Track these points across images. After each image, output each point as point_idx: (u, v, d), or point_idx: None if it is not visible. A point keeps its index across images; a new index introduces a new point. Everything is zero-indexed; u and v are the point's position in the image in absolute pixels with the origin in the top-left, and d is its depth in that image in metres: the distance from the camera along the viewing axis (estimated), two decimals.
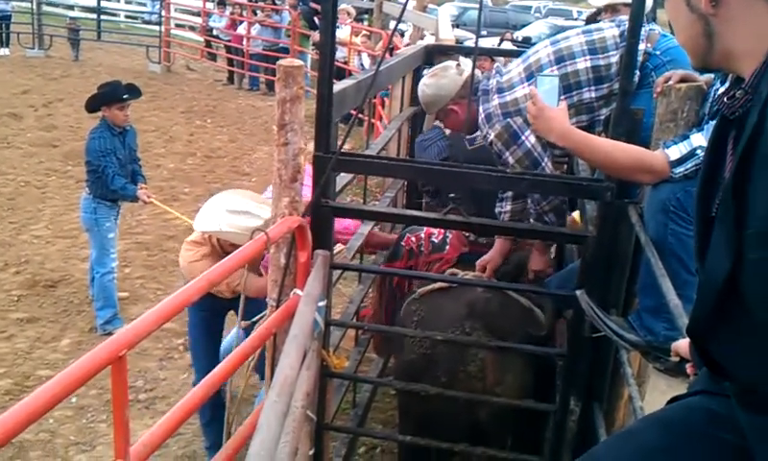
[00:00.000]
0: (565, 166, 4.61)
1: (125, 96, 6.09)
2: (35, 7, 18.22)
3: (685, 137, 2.62)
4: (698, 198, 1.51)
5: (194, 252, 4.32)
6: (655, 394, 2.59)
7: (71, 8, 22.61)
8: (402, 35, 12.61)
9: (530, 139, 3.40)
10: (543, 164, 3.44)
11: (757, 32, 1.30)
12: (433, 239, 4.18)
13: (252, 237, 2.65)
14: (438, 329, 3.38)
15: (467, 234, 4.07)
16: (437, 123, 4.18)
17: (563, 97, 3.41)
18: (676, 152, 2.58)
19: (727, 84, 1.47)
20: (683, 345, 1.82)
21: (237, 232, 3.84)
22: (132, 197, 6.12)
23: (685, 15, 1.41)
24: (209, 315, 4.43)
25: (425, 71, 5.36)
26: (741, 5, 1.31)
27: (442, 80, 3.72)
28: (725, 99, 1.38)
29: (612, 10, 4.22)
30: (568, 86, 3.43)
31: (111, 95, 6.09)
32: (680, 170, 2.55)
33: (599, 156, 2.72)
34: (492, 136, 3.47)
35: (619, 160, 2.66)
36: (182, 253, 4.44)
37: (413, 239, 4.23)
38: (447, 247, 4.11)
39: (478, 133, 3.60)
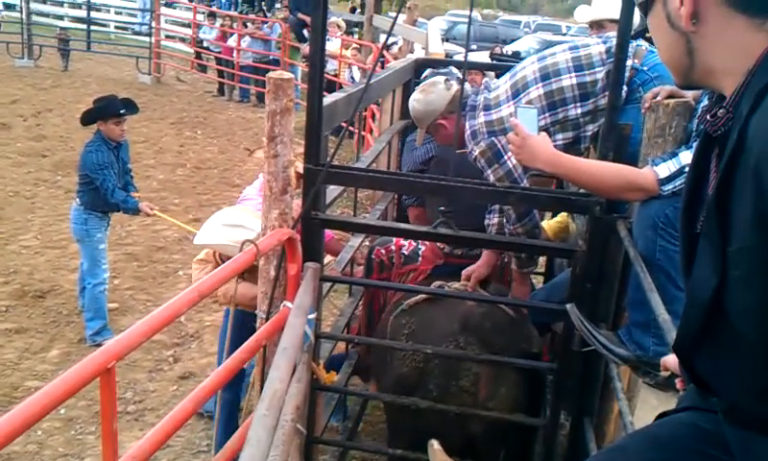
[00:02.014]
0: (555, 181, 4.63)
1: (121, 111, 6.08)
2: (24, 16, 18.15)
3: (674, 155, 2.64)
4: (683, 214, 1.51)
5: (200, 269, 4.31)
6: (645, 409, 2.60)
7: (61, 18, 22.57)
8: (389, 48, 12.58)
9: (512, 160, 3.43)
10: (522, 185, 3.48)
11: (738, 50, 1.30)
12: (403, 251, 4.18)
13: (241, 249, 2.65)
14: (431, 343, 3.36)
15: (441, 246, 4.07)
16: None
17: (548, 113, 3.45)
18: (665, 169, 2.60)
19: (706, 102, 1.47)
20: (672, 360, 1.82)
21: (230, 245, 3.84)
22: (135, 210, 6.11)
23: (667, 33, 1.42)
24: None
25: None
26: (721, 22, 1.31)
27: (430, 95, 3.76)
28: (707, 117, 1.38)
29: (597, 26, 4.25)
30: (553, 104, 3.45)
31: (107, 109, 6.07)
32: (669, 188, 2.57)
33: (587, 178, 2.73)
34: (476, 153, 3.52)
35: (608, 182, 2.68)
36: (192, 272, 4.47)
37: (383, 252, 4.22)
38: (420, 259, 4.11)
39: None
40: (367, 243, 4.99)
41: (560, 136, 3.48)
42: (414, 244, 4.18)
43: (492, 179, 3.47)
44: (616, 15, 3.81)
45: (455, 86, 3.78)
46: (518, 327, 3.53)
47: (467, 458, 3.31)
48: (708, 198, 1.35)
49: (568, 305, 2.90)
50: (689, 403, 1.66)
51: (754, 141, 1.19)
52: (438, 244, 4.06)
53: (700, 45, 1.36)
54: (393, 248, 4.20)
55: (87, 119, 6.16)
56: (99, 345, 5.30)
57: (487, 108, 3.54)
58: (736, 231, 1.24)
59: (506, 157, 3.43)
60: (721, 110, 1.34)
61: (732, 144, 1.25)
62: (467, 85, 3.61)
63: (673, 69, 1.46)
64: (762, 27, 1.27)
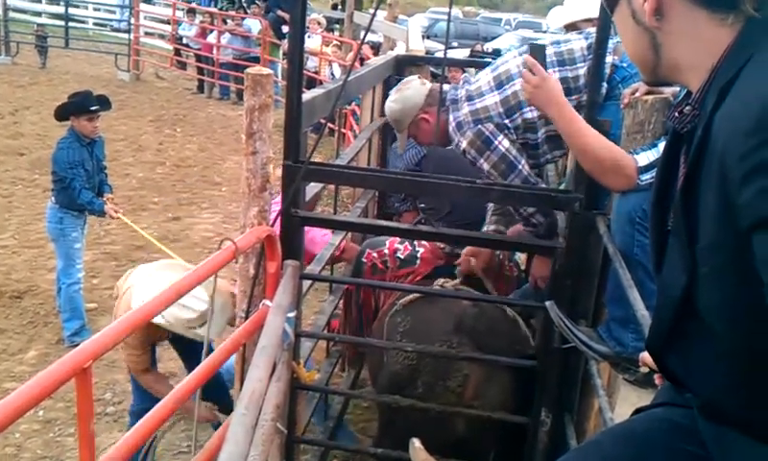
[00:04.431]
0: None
1: (94, 108, 6.03)
2: (1, 13, 17.99)
3: (654, 145, 2.64)
4: (653, 211, 1.52)
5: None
6: (625, 405, 2.60)
7: (38, 14, 22.41)
8: (377, 50, 12.53)
9: (503, 144, 3.41)
10: (520, 167, 3.44)
11: (701, 45, 1.29)
12: (398, 255, 4.11)
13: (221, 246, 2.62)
14: (425, 342, 3.34)
15: (442, 246, 4.04)
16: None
17: (534, 106, 3.45)
18: (644, 159, 2.60)
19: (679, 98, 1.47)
20: (650, 355, 1.83)
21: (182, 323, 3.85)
22: (100, 212, 6.06)
23: (632, 29, 1.41)
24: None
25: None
26: (684, 18, 1.31)
27: (407, 91, 3.73)
28: (675, 113, 1.38)
29: (572, 28, 4.26)
30: None
31: (80, 105, 6.02)
32: (646, 177, 2.57)
33: (583, 140, 2.68)
34: (464, 144, 3.47)
35: (598, 153, 2.65)
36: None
37: (374, 255, 4.14)
38: (418, 261, 4.07)
39: (452, 146, 3.61)
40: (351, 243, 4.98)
41: (542, 130, 3.48)
42: (410, 248, 4.12)
43: (486, 167, 3.43)
44: (589, 15, 3.82)
45: (429, 83, 3.78)
46: (514, 329, 3.51)
47: (457, 458, 3.30)
48: (676, 195, 1.35)
49: (548, 303, 2.90)
50: (665, 399, 1.67)
51: (717, 138, 1.18)
52: (438, 244, 4.03)
53: (665, 41, 1.36)
54: (386, 251, 4.13)
55: (60, 114, 6.12)
56: (77, 345, 5.25)
57: (470, 98, 3.52)
58: (703, 228, 1.24)
59: (496, 143, 3.41)
60: (687, 107, 1.34)
61: (698, 141, 1.25)
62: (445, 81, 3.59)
63: (640, 65, 1.46)
64: (725, 22, 1.26)
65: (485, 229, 3.85)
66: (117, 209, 6.20)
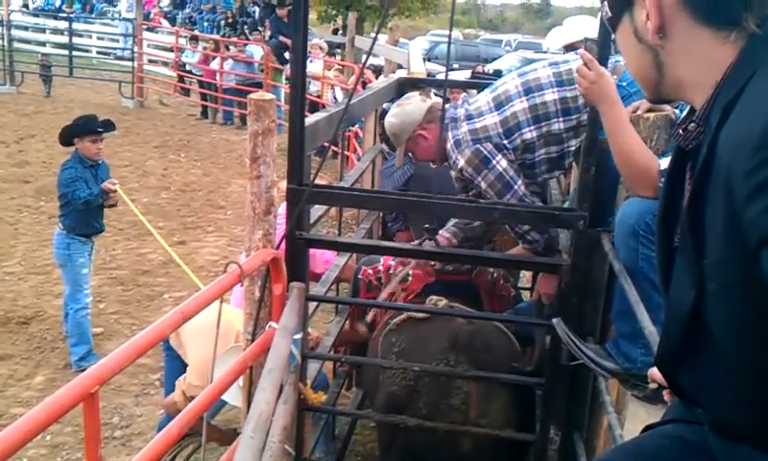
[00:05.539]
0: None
1: (99, 129, 6.07)
2: (6, 43, 18.11)
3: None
4: (659, 228, 1.51)
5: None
6: (635, 421, 2.59)
7: (43, 44, 22.57)
8: (379, 74, 12.59)
9: (501, 163, 3.42)
10: (516, 187, 3.45)
11: (705, 63, 1.29)
12: (392, 272, 4.14)
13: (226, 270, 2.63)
14: (421, 361, 3.33)
15: (433, 264, 4.05)
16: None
17: (533, 126, 3.46)
18: (665, 163, 2.59)
19: (682, 115, 1.47)
20: (659, 372, 1.82)
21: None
22: (101, 195, 6.02)
23: (635, 47, 1.41)
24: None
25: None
26: (687, 36, 1.31)
27: (407, 107, 3.76)
28: (680, 131, 1.38)
29: (571, 48, 4.29)
30: (537, 117, 3.47)
31: (84, 127, 6.09)
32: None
33: (625, 141, 2.66)
34: (461, 162, 3.49)
35: (638, 158, 2.63)
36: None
37: (370, 272, 4.18)
38: (410, 278, 4.09)
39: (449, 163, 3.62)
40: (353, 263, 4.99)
41: (542, 151, 3.50)
42: (402, 264, 4.15)
43: (483, 186, 3.45)
44: (587, 35, 3.85)
45: (429, 99, 3.80)
46: (509, 344, 3.51)
47: None
48: (682, 212, 1.35)
49: (554, 320, 2.89)
50: (675, 415, 1.66)
51: (723, 155, 1.18)
52: (429, 262, 4.04)
53: (668, 59, 1.36)
54: (380, 268, 4.17)
55: (66, 134, 6.17)
56: (84, 370, 5.25)
57: (469, 117, 3.54)
58: (710, 245, 1.24)
59: (494, 162, 3.42)
60: (692, 124, 1.34)
61: (703, 158, 1.25)
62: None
63: (643, 83, 1.46)
64: (728, 40, 1.26)
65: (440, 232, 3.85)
66: (113, 181, 6.19)
